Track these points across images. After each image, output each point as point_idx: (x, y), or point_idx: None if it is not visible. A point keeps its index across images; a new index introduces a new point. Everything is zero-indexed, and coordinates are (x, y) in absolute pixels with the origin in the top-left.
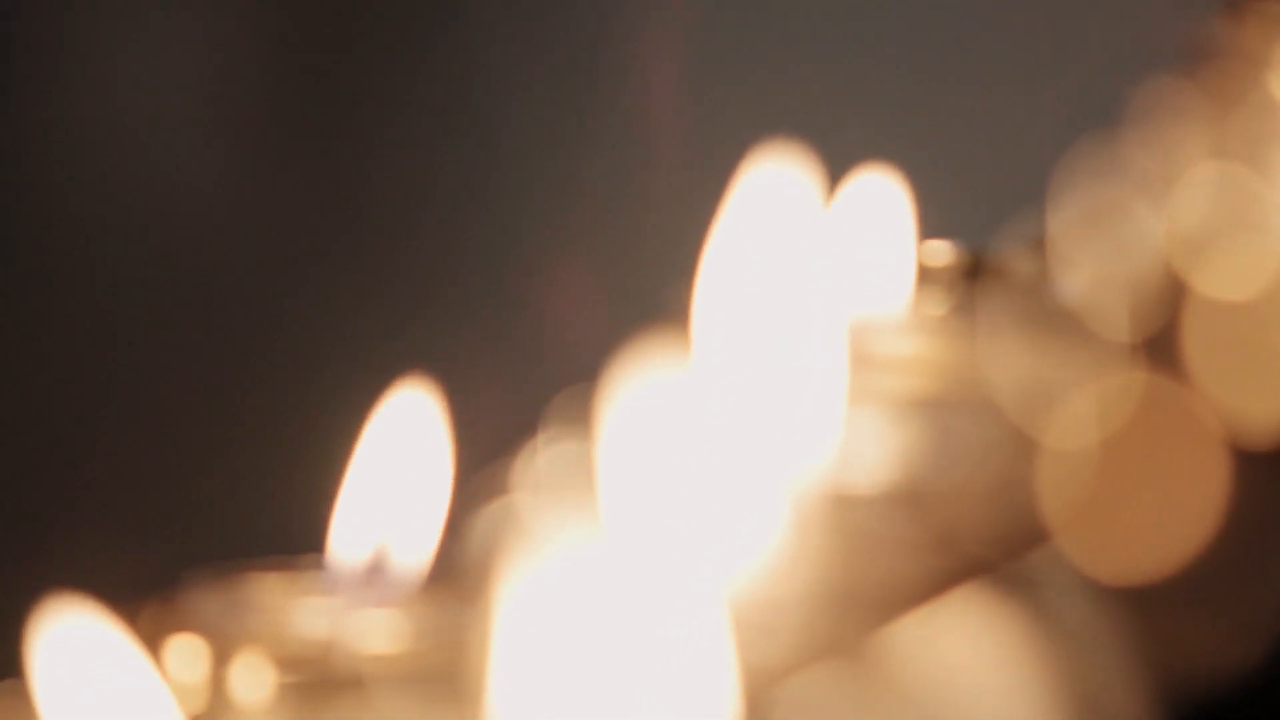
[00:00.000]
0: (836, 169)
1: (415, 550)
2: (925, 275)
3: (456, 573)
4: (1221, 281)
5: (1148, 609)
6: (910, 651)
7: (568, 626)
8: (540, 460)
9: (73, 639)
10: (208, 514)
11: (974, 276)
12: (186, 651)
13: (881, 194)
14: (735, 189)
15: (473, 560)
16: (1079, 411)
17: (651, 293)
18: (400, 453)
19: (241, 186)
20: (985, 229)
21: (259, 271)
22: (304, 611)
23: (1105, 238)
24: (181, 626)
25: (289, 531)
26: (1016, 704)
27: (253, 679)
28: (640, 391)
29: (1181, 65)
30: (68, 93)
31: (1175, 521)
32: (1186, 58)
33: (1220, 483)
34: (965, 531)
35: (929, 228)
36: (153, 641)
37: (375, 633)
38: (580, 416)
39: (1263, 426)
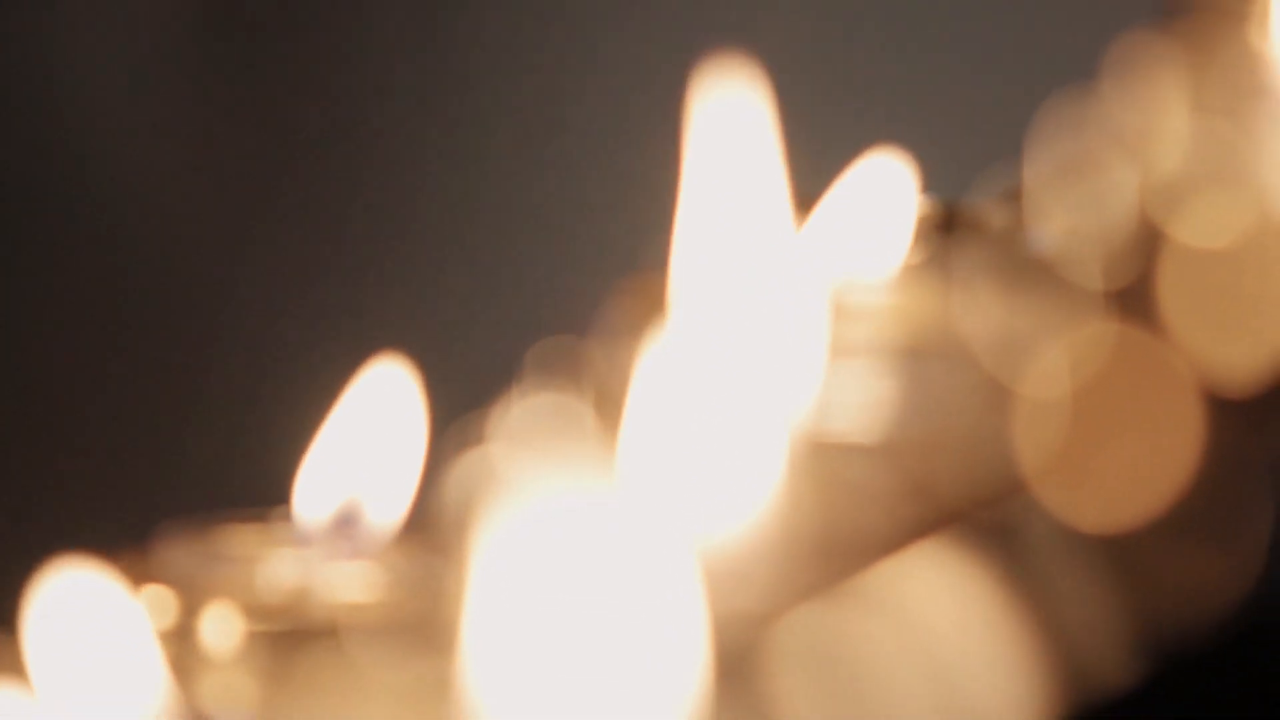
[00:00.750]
0: (820, 126)
1: (387, 501)
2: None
3: (429, 524)
4: (1196, 231)
5: (1125, 556)
6: (887, 601)
7: (543, 576)
8: (516, 411)
9: (62, 592)
10: (182, 468)
11: (949, 228)
12: (157, 602)
13: (890, 173)
14: (690, 116)
15: (448, 511)
16: (1054, 360)
17: (628, 247)
18: (373, 406)
19: (206, 160)
20: (960, 181)
21: (227, 241)
22: (276, 562)
23: (1080, 189)
24: (153, 578)
25: (263, 484)
26: (994, 653)
27: (224, 630)
28: (619, 344)
29: (1160, 17)
30: (14, 79)
31: (1151, 469)
32: (1165, 10)
33: (1195, 430)
34: (943, 480)
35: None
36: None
37: (347, 583)
38: (556, 367)
39: (1236, 373)
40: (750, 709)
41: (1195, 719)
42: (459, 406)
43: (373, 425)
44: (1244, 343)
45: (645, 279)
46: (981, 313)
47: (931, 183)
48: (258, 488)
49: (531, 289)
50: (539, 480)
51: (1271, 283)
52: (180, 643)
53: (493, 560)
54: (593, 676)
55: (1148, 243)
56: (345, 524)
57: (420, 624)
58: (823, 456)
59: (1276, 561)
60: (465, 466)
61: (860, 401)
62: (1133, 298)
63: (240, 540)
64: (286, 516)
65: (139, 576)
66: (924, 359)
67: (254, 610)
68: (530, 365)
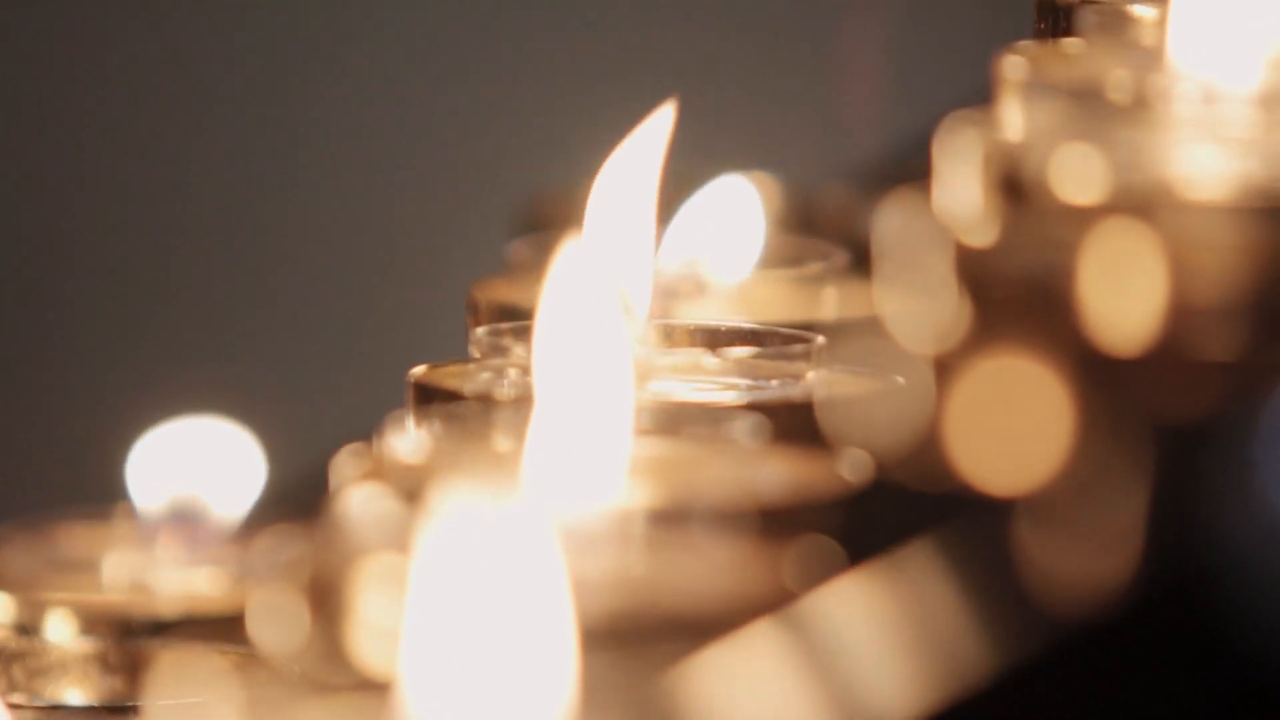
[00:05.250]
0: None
1: (226, 503)
2: (763, 209)
3: (269, 522)
4: (1072, 196)
5: (1008, 522)
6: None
7: (440, 587)
8: (401, 433)
9: None
10: (22, 469)
11: (809, 211)
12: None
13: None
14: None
15: (345, 533)
16: (920, 331)
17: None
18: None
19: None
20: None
21: (62, 267)
22: (114, 561)
23: (951, 170)
24: None
25: (105, 485)
26: (875, 631)
27: (65, 626)
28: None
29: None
30: None
31: (1031, 436)
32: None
33: (1072, 395)
34: (807, 445)
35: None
36: None
37: (187, 578)
38: (434, 391)
39: (1114, 337)
40: (619, 673)
41: (1078, 690)
42: (347, 433)
43: (213, 424)
44: (1122, 307)
45: (493, 284)
46: (850, 289)
47: (791, 170)
48: (99, 488)
49: (404, 312)
50: (430, 501)
51: (1149, 248)
52: (22, 640)
53: (389, 575)
54: (473, 652)
55: (1018, 210)
56: (185, 522)
57: (261, 617)
58: (682, 419)
59: (1156, 526)
60: (353, 493)
61: (719, 371)
62: (1001, 268)
63: (81, 539)
64: (127, 516)
65: None
66: (781, 333)
67: (94, 608)
68: (409, 389)
